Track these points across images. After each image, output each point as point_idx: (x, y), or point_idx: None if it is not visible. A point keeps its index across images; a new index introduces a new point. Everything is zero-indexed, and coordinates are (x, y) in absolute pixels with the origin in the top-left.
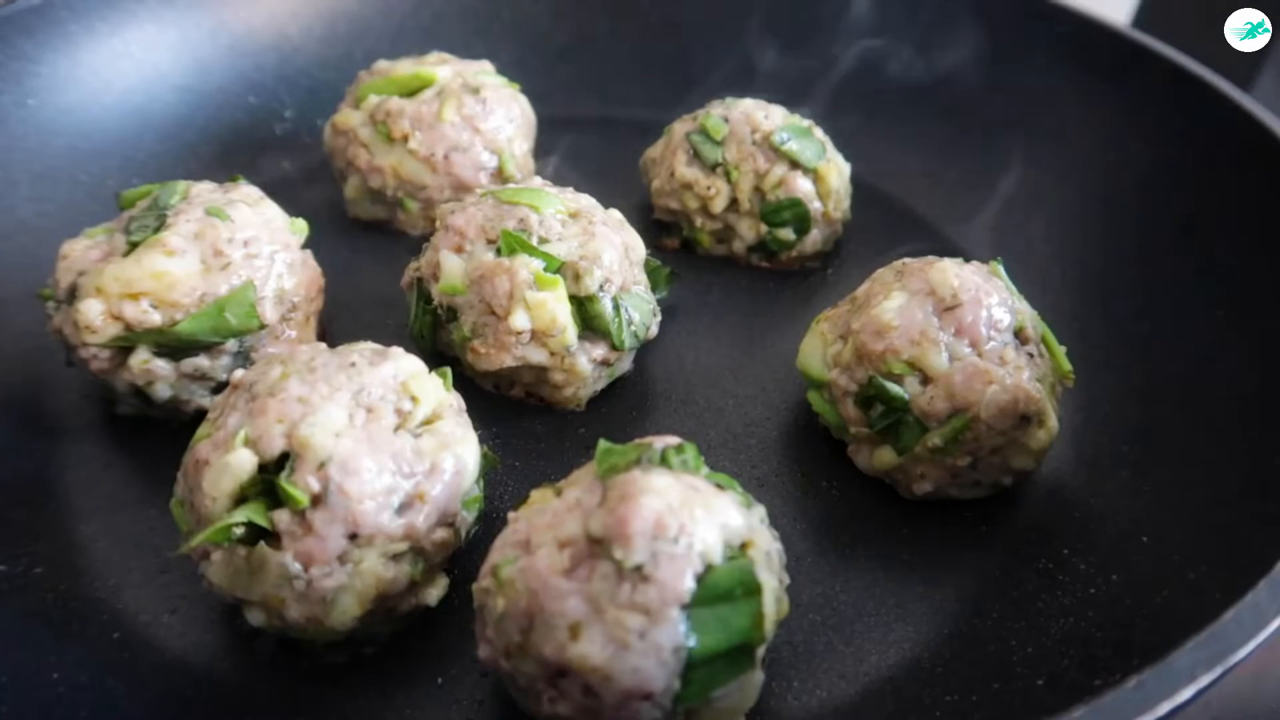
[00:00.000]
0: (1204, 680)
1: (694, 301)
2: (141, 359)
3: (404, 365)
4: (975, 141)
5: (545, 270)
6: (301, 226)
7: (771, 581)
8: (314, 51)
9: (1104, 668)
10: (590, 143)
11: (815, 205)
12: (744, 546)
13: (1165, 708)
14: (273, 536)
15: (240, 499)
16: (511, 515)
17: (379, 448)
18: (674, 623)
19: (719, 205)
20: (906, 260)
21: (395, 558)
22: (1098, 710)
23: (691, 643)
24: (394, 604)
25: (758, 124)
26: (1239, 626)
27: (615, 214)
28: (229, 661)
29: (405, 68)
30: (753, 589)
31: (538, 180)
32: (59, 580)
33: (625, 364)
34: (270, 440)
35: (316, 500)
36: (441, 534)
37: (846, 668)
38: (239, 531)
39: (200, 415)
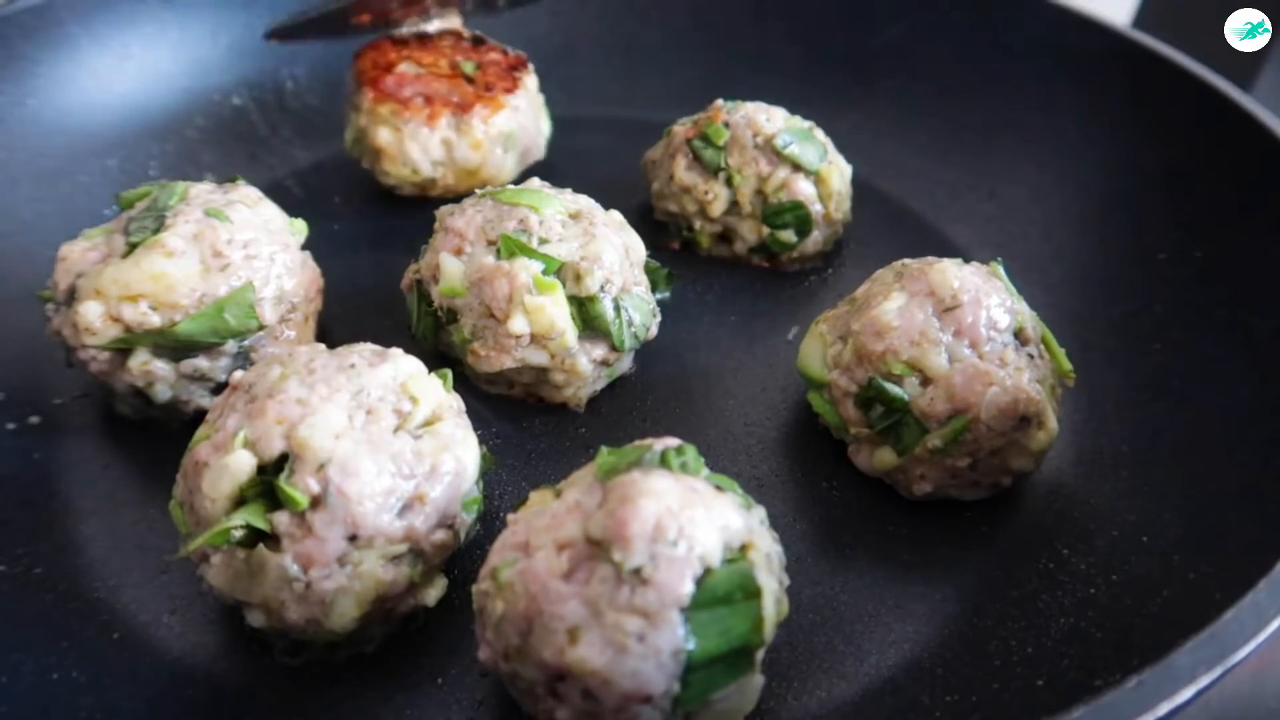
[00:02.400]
0: (1204, 680)
1: (694, 301)
2: (141, 360)
3: (403, 366)
4: (975, 141)
5: (544, 273)
6: (301, 227)
7: (771, 584)
8: (315, 52)
9: (1104, 668)
10: (590, 143)
11: (816, 207)
12: (744, 549)
13: (1165, 708)
14: (272, 538)
15: (239, 500)
16: (511, 517)
17: (378, 449)
18: (673, 626)
19: (717, 210)
20: (906, 261)
21: (394, 559)
22: (1098, 710)
23: (691, 645)
24: (393, 605)
25: (759, 127)
26: (1239, 626)
27: (615, 215)
28: (229, 662)
29: None
30: (752, 592)
31: (536, 181)
32: (59, 580)
33: (625, 364)
34: (269, 441)
35: (316, 502)
36: (441, 535)
37: (846, 668)
38: (238, 534)
39: (200, 416)
